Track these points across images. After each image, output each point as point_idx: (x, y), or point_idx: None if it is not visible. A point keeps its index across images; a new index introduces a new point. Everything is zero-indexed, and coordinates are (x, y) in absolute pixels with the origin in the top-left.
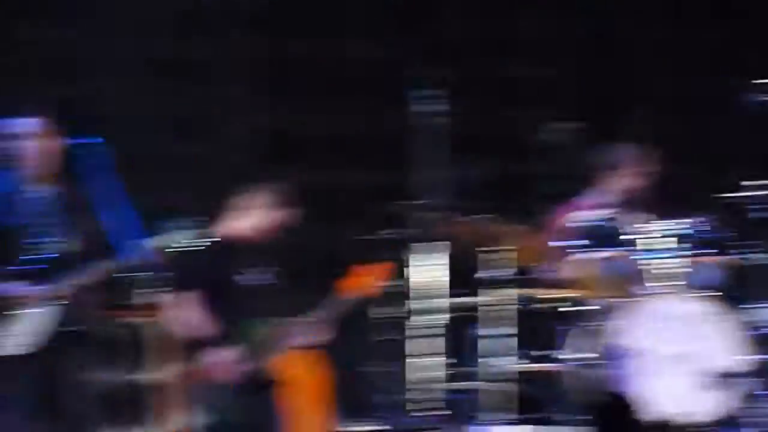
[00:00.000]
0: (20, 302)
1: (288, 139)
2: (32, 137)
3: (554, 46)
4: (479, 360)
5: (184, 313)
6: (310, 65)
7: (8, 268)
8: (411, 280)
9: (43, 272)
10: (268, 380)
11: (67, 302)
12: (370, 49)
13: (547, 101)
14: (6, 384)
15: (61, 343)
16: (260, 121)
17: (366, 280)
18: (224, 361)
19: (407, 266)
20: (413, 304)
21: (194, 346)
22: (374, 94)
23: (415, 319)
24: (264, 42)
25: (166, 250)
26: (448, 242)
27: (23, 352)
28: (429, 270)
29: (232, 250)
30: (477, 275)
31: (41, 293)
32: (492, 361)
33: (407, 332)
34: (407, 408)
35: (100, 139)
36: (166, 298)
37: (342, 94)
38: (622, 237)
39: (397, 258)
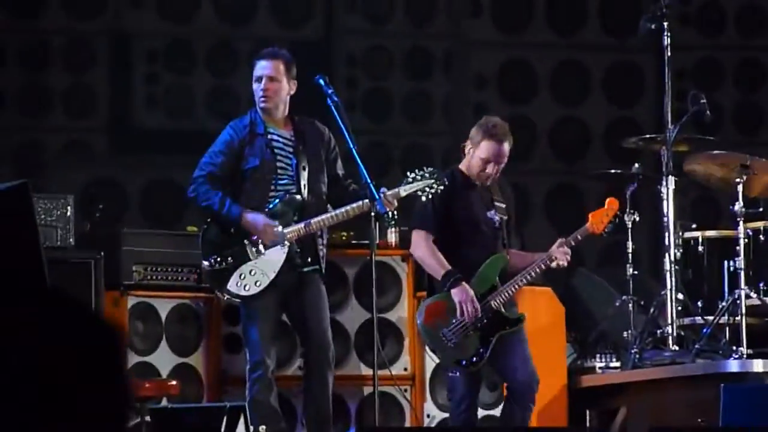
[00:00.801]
0: (265, 243)
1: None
2: (273, 79)
3: None
4: (727, 293)
5: (419, 251)
6: None
7: (255, 210)
8: (662, 212)
9: (281, 212)
10: (507, 316)
11: (301, 242)
12: None
13: None
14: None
15: (298, 281)
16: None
17: (606, 213)
18: (465, 297)
19: (662, 198)
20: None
21: (434, 282)
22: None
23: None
24: None
25: (403, 196)
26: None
27: (263, 291)
28: (672, 202)
29: (467, 185)
30: (732, 207)
31: (282, 233)
32: (742, 293)
33: (665, 264)
34: (650, 342)
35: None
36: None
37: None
38: None
39: (635, 192)
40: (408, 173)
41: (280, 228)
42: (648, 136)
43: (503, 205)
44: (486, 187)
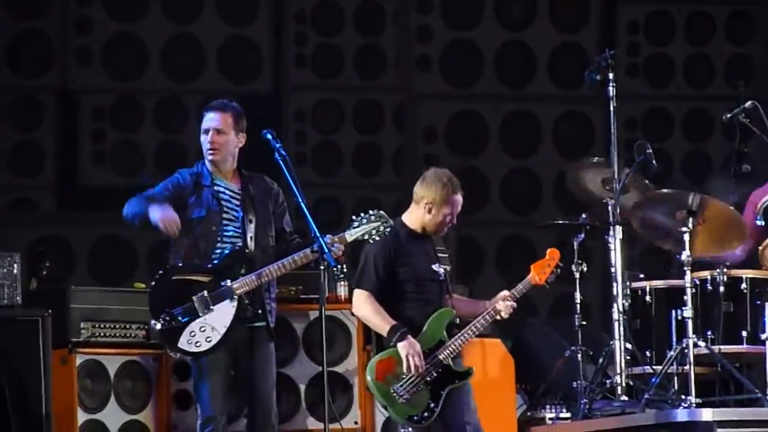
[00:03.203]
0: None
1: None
2: (220, 132)
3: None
4: (676, 342)
5: (363, 310)
6: None
7: (201, 263)
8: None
9: (228, 266)
10: (456, 370)
11: (250, 296)
12: None
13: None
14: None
15: (248, 337)
16: None
17: (548, 264)
18: (411, 351)
19: (610, 248)
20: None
21: (380, 338)
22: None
23: (614, 303)
24: None
25: (349, 241)
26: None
27: (214, 347)
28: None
29: (412, 239)
30: (678, 257)
31: (230, 287)
32: (690, 342)
33: (613, 315)
34: (600, 392)
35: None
36: (353, 290)
37: None
38: None
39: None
40: (353, 217)
41: (228, 282)
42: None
43: (446, 255)
44: (429, 238)
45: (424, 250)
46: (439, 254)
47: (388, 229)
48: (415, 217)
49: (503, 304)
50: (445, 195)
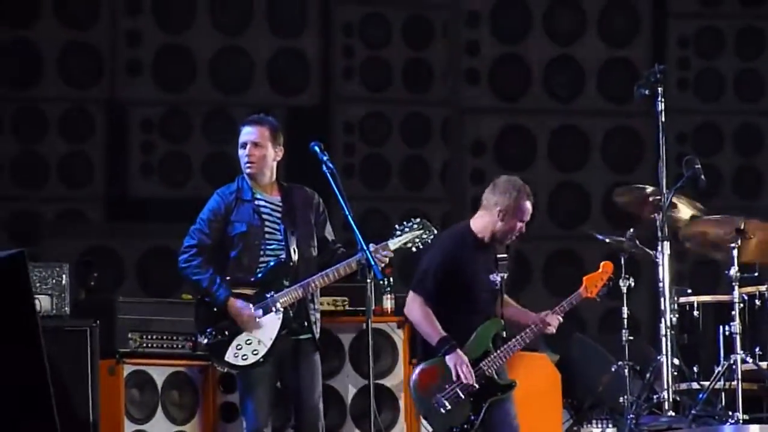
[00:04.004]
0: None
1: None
2: (257, 145)
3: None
4: (723, 358)
5: (415, 314)
6: None
7: (245, 276)
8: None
9: (272, 278)
10: (499, 383)
11: (295, 308)
12: None
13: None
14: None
15: (294, 349)
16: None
17: (600, 278)
18: (459, 362)
19: (658, 263)
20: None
21: (428, 347)
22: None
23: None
24: None
25: (393, 249)
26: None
27: (260, 360)
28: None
29: (477, 248)
30: (727, 272)
31: (275, 299)
32: (738, 358)
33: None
34: (647, 407)
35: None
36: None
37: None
38: None
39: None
40: (397, 226)
41: (272, 293)
42: (638, 185)
43: (505, 262)
44: (493, 246)
45: (486, 258)
46: (499, 261)
47: (431, 238)
48: (484, 223)
49: (552, 317)
50: (520, 202)
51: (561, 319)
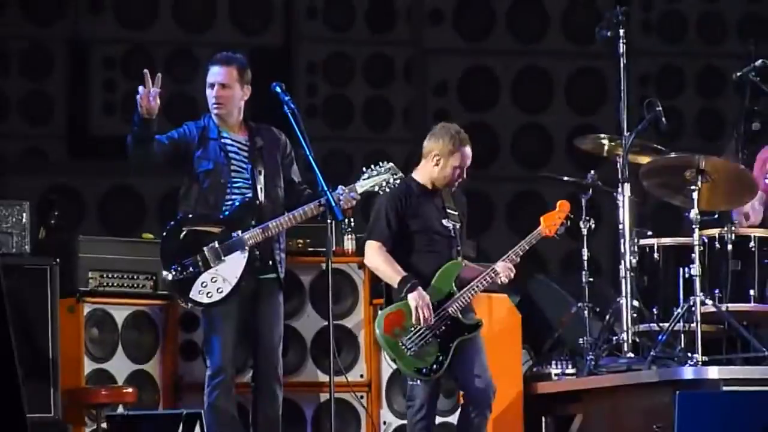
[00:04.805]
0: (226, 249)
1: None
2: (225, 86)
3: None
4: (683, 300)
5: (373, 260)
6: None
7: (211, 214)
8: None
9: (238, 217)
10: (465, 323)
11: (261, 247)
12: None
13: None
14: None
15: (257, 288)
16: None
17: (558, 216)
18: (421, 303)
19: (620, 204)
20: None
21: (389, 292)
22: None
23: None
24: None
25: (360, 192)
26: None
27: (225, 298)
28: (627, 209)
29: (422, 194)
30: (687, 214)
31: (241, 238)
32: (697, 300)
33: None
34: (606, 348)
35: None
36: (364, 241)
37: None
38: None
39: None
40: (363, 169)
41: (239, 232)
42: (602, 136)
43: (455, 213)
44: (439, 194)
45: (434, 204)
46: (449, 210)
47: (398, 181)
48: (424, 171)
49: (501, 265)
50: (452, 147)
51: (512, 267)
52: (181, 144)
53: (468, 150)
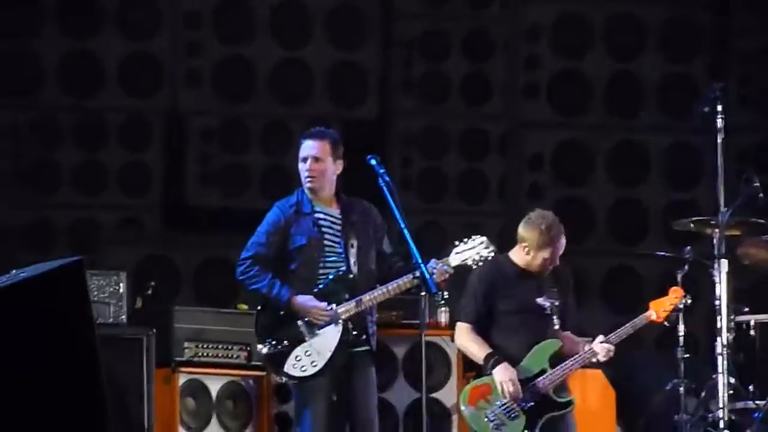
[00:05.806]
0: (319, 321)
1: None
2: (318, 159)
3: None
4: None
5: (462, 341)
6: None
7: (305, 289)
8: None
9: (332, 290)
10: (556, 400)
11: (354, 320)
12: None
13: None
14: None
15: (350, 362)
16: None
17: (670, 302)
18: (506, 377)
19: (716, 281)
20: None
21: (480, 368)
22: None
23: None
24: None
25: (453, 266)
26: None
27: (318, 371)
28: (724, 285)
29: (517, 275)
30: None
31: (335, 312)
32: None
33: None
34: (703, 426)
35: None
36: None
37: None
38: None
39: (690, 276)
40: (456, 243)
41: (333, 306)
42: (700, 218)
43: (554, 289)
44: (534, 275)
45: (529, 283)
46: (546, 287)
47: (492, 254)
48: (519, 255)
49: (600, 346)
50: (542, 243)
51: (612, 348)
52: (280, 237)
53: (559, 243)
